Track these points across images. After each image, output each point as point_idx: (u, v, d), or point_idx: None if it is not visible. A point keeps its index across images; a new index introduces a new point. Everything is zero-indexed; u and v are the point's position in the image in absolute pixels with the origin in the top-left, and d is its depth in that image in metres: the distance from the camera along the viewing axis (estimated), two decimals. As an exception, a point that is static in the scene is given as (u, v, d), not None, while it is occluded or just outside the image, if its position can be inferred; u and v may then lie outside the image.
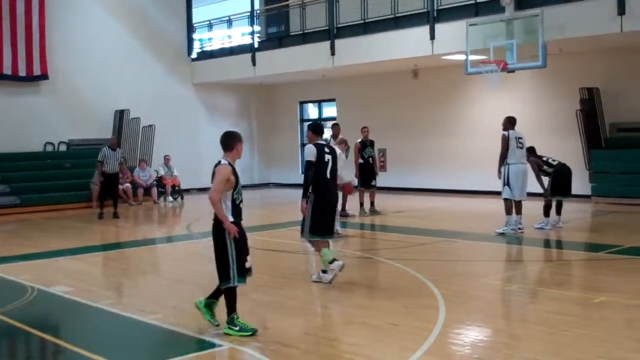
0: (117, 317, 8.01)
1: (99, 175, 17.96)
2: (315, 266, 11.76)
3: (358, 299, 8.49)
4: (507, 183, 13.20)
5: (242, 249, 7.18)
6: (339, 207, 14.07)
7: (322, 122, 9.43)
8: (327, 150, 9.45)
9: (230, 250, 7.04)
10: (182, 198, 22.44)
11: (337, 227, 13.50)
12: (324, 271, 9.31)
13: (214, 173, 7.12)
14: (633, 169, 17.62)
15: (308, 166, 9.25)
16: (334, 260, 9.25)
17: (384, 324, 7.37)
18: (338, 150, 12.82)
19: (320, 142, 9.52)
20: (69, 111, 22.29)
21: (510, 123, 13.42)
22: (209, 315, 7.33)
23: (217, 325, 7.25)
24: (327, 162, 9.32)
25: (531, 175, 13.86)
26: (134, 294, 9.44)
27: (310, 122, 10.17)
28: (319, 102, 26.85)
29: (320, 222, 9.36)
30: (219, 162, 7.17)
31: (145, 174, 21.83)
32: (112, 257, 12.70)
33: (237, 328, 7.06)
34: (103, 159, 17.66)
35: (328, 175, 9.33)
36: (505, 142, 13.19)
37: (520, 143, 13.29)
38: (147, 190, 21.70)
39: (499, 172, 13.34)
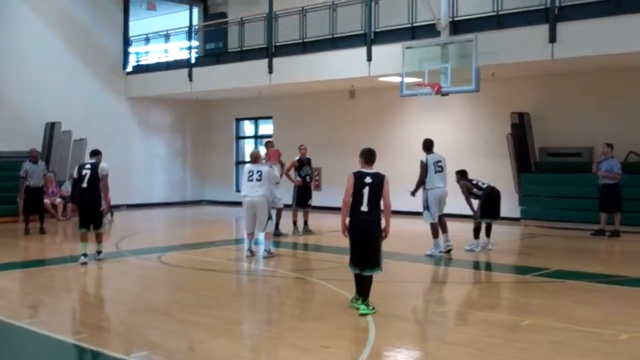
0: (39, 337, 7.73)
1: (22, 192, 17.40)
2: (246, 283, 11.69)
3: (288, 320, 8.41)
4: (427, 207, 13.27)
5: None
6: (272, 227, 14.11)
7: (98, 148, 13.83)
8: (87, 166, 12.73)
9: (381, 244, 8.63)
10: (112, 214, 21.96)
11: (269, 246, 13.46)
12: (84, 254, 12.47)
13: (380, 184, 8.55)
14: (561, 192, 17.99)
15: (72, 182, 12.75)
16: (85, 255, 12.49)
17: (314, 345, 7.31)
18: (265, 168, 13.07)
19: (87, 161, 12.78)
20: (-3, 122, 21.71)
21: (427, 147, 13.37)
22: (367, 304, 8.47)
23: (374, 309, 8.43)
24: (85, 175, 12.60)
25: (462, 197, 14.03)
26: (58, 313, 9.16)
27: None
28: (256, 120, 26.82)
29: (81, 219, 12.87)
30: (378, 174, 8.65)
31: (75, 188, 21.37)
32: (37, 274, 12.32)
33: (371, 307, 8.44)
34: (26, 174, 17.18)
35: (84, 185, 12.60)
36: (424, 168, 13.19)
37: (440, 167, 13.26)
38: (77, 206, 21.22)
39: (414, 193, 13.39)
